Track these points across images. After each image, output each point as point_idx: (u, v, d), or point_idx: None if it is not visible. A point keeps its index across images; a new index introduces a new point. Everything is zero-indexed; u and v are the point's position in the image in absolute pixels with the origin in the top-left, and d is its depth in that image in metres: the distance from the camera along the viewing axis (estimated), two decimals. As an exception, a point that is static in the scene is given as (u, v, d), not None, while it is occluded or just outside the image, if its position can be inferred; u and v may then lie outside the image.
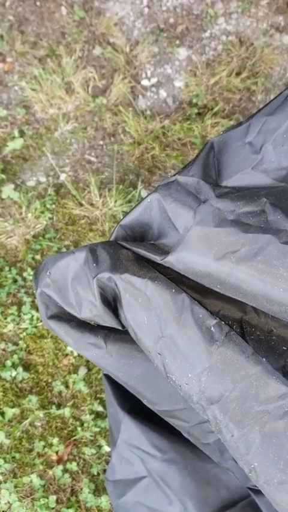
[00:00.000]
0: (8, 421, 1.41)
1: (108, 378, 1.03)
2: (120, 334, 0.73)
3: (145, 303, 0.65)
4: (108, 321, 0.69)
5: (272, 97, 1.70)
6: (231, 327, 0.65)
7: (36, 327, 1.49)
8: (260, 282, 0.60)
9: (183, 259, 0.65)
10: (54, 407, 1.42)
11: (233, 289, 0.63)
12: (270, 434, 0.58)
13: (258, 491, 0.87)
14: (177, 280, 0.68)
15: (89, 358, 0.73)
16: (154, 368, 0.73)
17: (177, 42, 1.78)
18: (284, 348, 0.66)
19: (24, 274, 1.54)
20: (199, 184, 0.69)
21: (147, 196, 0.71)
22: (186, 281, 0.68)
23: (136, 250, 0.70)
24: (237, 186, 0.70)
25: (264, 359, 0.62)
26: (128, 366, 0.73)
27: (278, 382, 0.59)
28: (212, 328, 0.62)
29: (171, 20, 1.81)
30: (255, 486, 0.87)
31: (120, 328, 0.70)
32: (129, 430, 0.97)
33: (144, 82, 1.75)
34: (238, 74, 1.73)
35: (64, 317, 0.72)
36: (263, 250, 0.60)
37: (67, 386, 1.44)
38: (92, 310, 0.69)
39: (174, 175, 0.72)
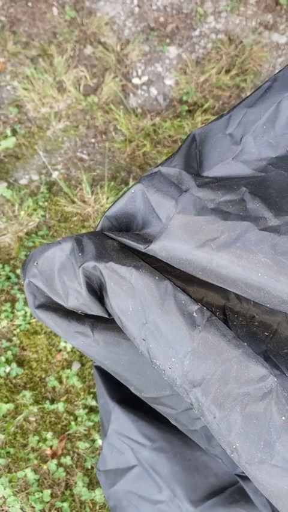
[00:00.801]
0: (3, 416, 1.42)
1: (98, 369, 1.04)
2: (106, 323, 0.75)
3: (130, 290, 0.67)
4: (95, 309, 0.71)
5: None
6: (214, 314, 0.67)
7: (29, 323, 1.50)
8: (239, 268, 0.61)
9: (165, 247, 0.67)
10: (48, 402, 1.43)
11: (214, 276, 0.65)
12: (250, 415, 0.60)
13: (245, 478, 0.88)
14: (162, 269, 0.70)
15: (77, 347, 0.75)
16: (140, 355, 0.75)
17: (168, 40, 1.80)
18: (265, 333, 0.67)
19: (18, 271, 1.55)
20: (181, 175, 0.70)
21: (131, 187, 0.73)
22: (170, 270, 0.70)
23: (121, 239, 0.71)
24: (218, 176, 0.72)
25: (245, 343, 0.64)
26: (114, 354, 0.75)
27: (257, 364, 0.61)
28: (194, 314, 0.64)
29: (162, 19, 1.83)
30: (243, 473, 0.88)
31: (106, 316, 0.72)
32: (119, 420, 0.98)
33: (135, 80, 1.77)
34: (228, 71, 1.75)
35: (52, 306, 0.74)
36: (241, 237, 0.62)
37: (61, 382, 1.46)
38: (79, 299, 0.70)
39: (157, 166, 0.73)
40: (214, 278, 0.65)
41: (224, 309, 0.69)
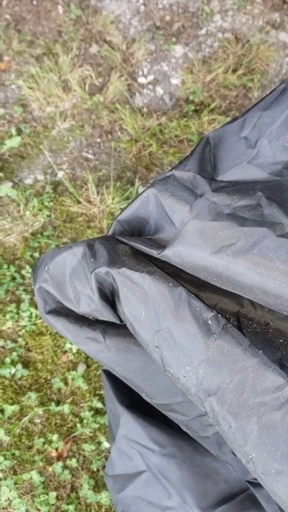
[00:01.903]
0: (8, 418, 1.41)
1: (106, 373, 1.03)
2: (118, 329, 0.74)
3: (143, 296, 0.66)
4: (106, 315, 0.70)
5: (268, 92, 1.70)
6: (228, 320, 0.66)
7: (35, 324, 1.49)
8: (256, 275, 0.60)
9: (180, 253, 0.66)
10: (53, 404, 1.42)
11: (230, 283, 0.64)
12: (267, 425, 0.58)
13: (256, 485, 0.87)
14: (175, 274, 0.68)
15: (88, 353, 0.74)
16: (152, 362, 0.74)
17: (174, 39, 1.79)
18: (280, 340, 0.66)
19: (23, 271, 1.54)
20: (195, 179, 0.69)
21: (144, 191, 0.72)
22: (184, 275, 0.69)
23: (133, 244, 0.70)
24: (233, 180, 0.71)
25: (261, 351, 0.62)
26: (126, 360, 0.74)
27: (274, 373, 0.60)
28: (209, 321, 0.63)
29: (167, 18, 1.81)
30: (254, 479, 0.87)
31: (118, 322, 0.71)
32: (128, 424, 0.97)
33: (141, 79, 1.76)
34: (234, 70, 1.74)
35: (62, 312, 0.73)
36: (258, 243, 0.60)
37: (66, 383, 1.45)
38: (90, 304, 0.69)
39: (171, 170, 0.72)
40: (230, 285, 0.64)
41: (238, 316, 0.68)
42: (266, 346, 0.65)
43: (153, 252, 0.68)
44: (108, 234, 0.76)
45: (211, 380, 0.62)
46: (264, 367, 0.60)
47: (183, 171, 0.70)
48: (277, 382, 0.59)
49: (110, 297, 0.70)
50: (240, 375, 0.61)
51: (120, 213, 0.75)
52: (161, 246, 0.70)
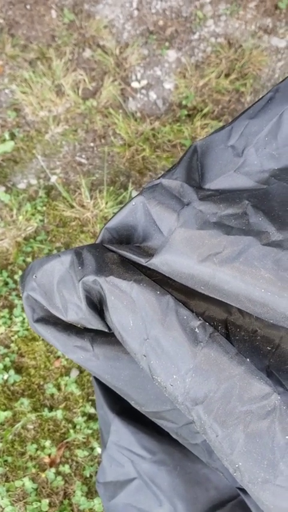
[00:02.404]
0: (0, 424, 1.41)
1: (97, 380, 1.03)
2: (106, 337, 0.74)
3: (130, 305, 0.65)
4: (95, 323, 0.70)
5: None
6: (216, 328, 0.66)
7: (27, 329, 1.49)
8: (242, 283, 0.60)
9: (167, 261, 0.66)
10: (46, 409, 1.42)
11: (216, 291, 0.64)
12: (253, 434, 0.58)
13: (247, 492, 0.87)
14: (163, 282, 0.68)
15: (76, 361, 0.74)
16: (141, 370, 0.74)
17: (167, 44, 1.79)
18: (268, 348, 0.66)
19: (16, 276, 1.54)
20: (183, 187, 0.69)
21: (132, 199, 0.72)
22: (172, 283, 0.69)
23: (121, 252, 0.70)
24: (220, 188, 0.71)
25: (248, 359, 0.62)
26: (114, 368, 0.74)
27: (261, 382, 0.60)
28: (196, 329, 0.63)
29: (161, 23, 1.82)
30: (244, 486, 0.87)
31: (106, 330, 0.71)
32: (119, 431, 0.97)
33: (134, 84, 1.76)
34: (227, 75, 1.74)
35: (51, 320, 0.73)
36: (244, 252, 0.60)
37: (59, 389, 1.44)
38: (78, 313, 0.69)
39: (159, 178, 0.72)
40: (216, 293, 0.64)
41: (226, 323, 0.68)
42: (254, 354, 0.65)
43: (141, 260, 0.68)
44: (97, 242, 0.76)
45: (198, 389, 0.62)
46: (251, 375, 0.60)
47: (171, 179, 0.70)
48: (264, 390, 0.59)
49: (97, 305, 0.69)
50: (227, 383, 0.61)
51: (108, 221, 0.75)
52: (149, 254, 0.70)
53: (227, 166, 0.72)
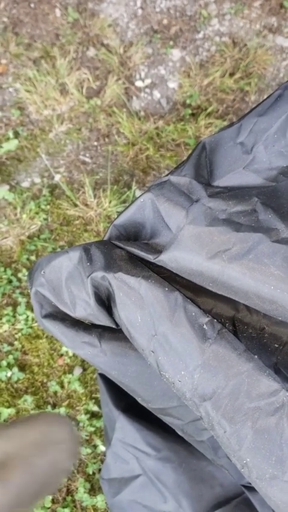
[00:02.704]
0: (4, 421, 1.41)
1: (103, 377, 1.03)
2: (114, 333, 0.74)
3: (139, 301, 0.66)
4: (102, 319, 0.70)
5: (265, 97, 1.71)
6: (224, 325, 0.66)
7: (31, 327, 1.49)
8: (251, 280, 0.61)
9: (175, 258, 0.66)
10: (49, 407, 1.42)
11: (225, 288, 0.64)
12: (262, 430, 0.59)
13: (252, 489, 0.88)
14: (170, 279, 0.69)
15: (84, 357, 0.74)
16: (148, 366, 0.74)
17: (171, 43, 1.79)
18: (275, 345, 0.66)
19: (19, 274, 1.54)
20: (191, 184, 0.69)
21: (140, 196, 0.72)
22: (179, 280, 0.69)
23: (129, 249, 0.70)
24: (228, 185, 0.71)
25: (256, 356, 0.63)
26: (122, 364, 0.74)
27: (269, 378, 0.60)
28: (205, 326, 0.63)
29: (165, 21, 1.82)
30: (249, 483, 0.87)
31: (114, 326, 0.71)
32: (124, 428, 0.97)
33: (138, 83, 1.76)
34: (232, 74, 1.74)
35: (58, 316, 0.73)
36: (254, 249, 0.61)
37: (62, 387, 1.45)
38: (86, 309, 0.69)
39: (167, 175, 0.72)
40: (225, 290, 0.64)
41: (234, 320, 0.68)
42: (262, 351, 0.65)
43: (149, 257, 0.68)
44: (105, 239, 0.76)
45: (206, 385, 0.62)
46: (259, 372, 0.60)
47: (180, 176, 0.70)
48: (272, 387, 0.60)
49: (106, 302, 0.70)
50: (235, 379, 0.61)
51: (116, 218, 0.75)
52: (157, 250, 0.70)
53: (236, 163, 0.72)
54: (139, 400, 0.80)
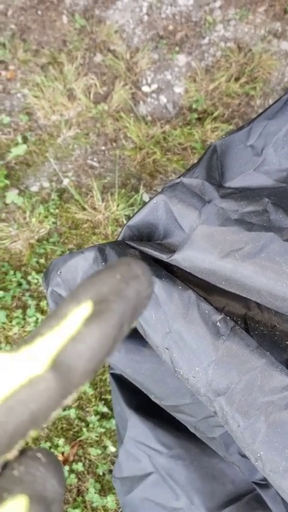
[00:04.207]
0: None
1: (114, 377, 1.05)
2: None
3: (153, 300, 0.67)
4: (117, 318, 0.71)
5: (270, 101, 1.73)
6: (236, 323, 0.68)
7: (41, 329, 1.51)
8: (264, 278, 0.62)
9: (189, 257, 0.68)
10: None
11: (238, 286, 0.66)
12: (275, 424, 0.60)
13: (263, 486, 0.89)
14: (183, 278, 0.70)
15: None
16: (161, 364, 0.76)
17: (177, 48, 1.82)
18: (287, 342, 0.68)
19: (29, 277, 1.56)
20: (203, 186, 0.71)
21: (153, 197, 0.74)
22: (192, 279, 0.71)
23: (143, 249, 0.72)
24: (240, 187, 0.73)
25: (268, 352, 0.64)
26: (136, 362, 0.76)
27: (282, 373, 0.62)
28: (218, 323, 0.65)
29: (171, 27, 1.84)
30: (261, 480, 0.89)
31: (128, 325, 0.73)
32: (136, 427, 0.99)
33: (145, 88, 1.78)
34: (237, 79, 1.76)
35: (74, 315, 0.75)
36: (266, 248, 0.62)
37: (72, 388, 1.46)
38: (101, 307, 0.71)
39: (179, 177, 0.74)
40: (238, 288, 0.66)
41: (245, 319, 0.69)
42: (273, 348, 0.67)
43: (163, 256, 0.70)
44: (119, 239, 0.78)
45: (220, 380, 0.64)
46: (272, 367, 0.62)
47: (192, 178, 0.72)
48: (284, 382, 0.61)
49: (120, 300, 0.71)
50: (249, 375, 0.62)
51: (130, 219, 0.77)
52: (170, 250, 0.72)
53: (247, 165, 0.74)
54: (152, 397, 0.82)
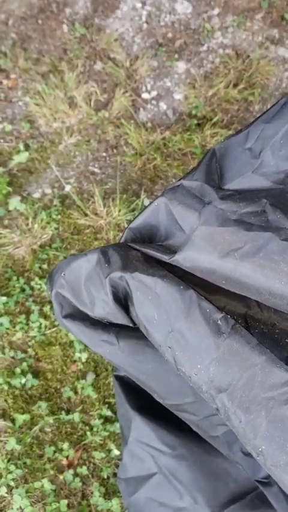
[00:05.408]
0: (19, 427, 1.44)
1: (118, 379, 1.06)
2: (131, 331, 0.77)
3: (155, 300, 0.69)
4: (120, 318, 0.73)
5: (269, 107, 1.75)
6: (237, 321, 0.69)
7: (44, 334, 1.52)
8: (263, 277, 0.64)
9: (189, 257, 0.69)
10: (63, 413, 1.45)
11: (237, 285, 0.67)
12: (275, 419, 0.62)
13: (266, 484, 0.90)
14: (184, 278, 0.72)
15: (102, 355, 0.77)
16: (164, 363, 0.77)
17: (176, 56, 1.84)
18: (286, 340, 0.69)
19: (32, 283, 1.58)
20: (203, 188, 0.73)
21: (154, 200, 0.76)
22: (193, 279, 0.72)
23: (145, 250, 0.74)
24: (238, 188, 0.75)
25: (268, 350, 0.66)
26: (139, 362, 0.77)
27: (281, 370, 0.63)
28: (219, 322, 0.66)
29: (170, 35, 1.87)
30: (264, 478, 0.90)
31: (131, 325, 0.74)
32: (140, 428, 1.00)
33: (145, 95, 1.80)
34: (235, 85, 1.79)
35: (78, 316, 0.76)
36: (264, 247, 0.64)
37: (76, 392, 1.47)
38: (105, 308, 0.73)
39: (179, 180, 0.76)
40: (237, 287, 0.67)
41: (246, 317, 0.71)
42: (273, 346, 0.68)
43: (164, 257, 0.72)
44: (121, 242, 0.80)
45: (222, 377, 0.65)
46: (272, 364, 0.64)
47: (192, 180, 0.74)
48: (284, 378, 0.62)
49: (123, 301, 0.73)
50: (249, 372, 0.64)
51: (131, 222, 0.79)
52: (172, 251, 0.73)
53: (245, 167, 0.76)
54: (155, 396, 0.83)
